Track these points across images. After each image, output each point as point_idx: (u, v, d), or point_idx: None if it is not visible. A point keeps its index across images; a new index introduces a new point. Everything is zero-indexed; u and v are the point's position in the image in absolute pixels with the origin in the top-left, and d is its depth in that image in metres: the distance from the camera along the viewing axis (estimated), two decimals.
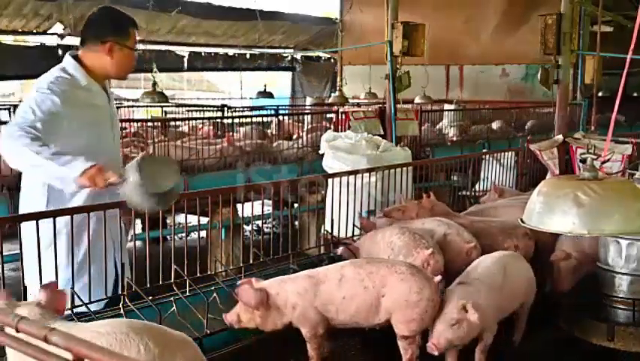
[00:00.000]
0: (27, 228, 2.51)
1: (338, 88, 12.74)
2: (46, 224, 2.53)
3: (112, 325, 1.83)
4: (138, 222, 6.33)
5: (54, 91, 2.85)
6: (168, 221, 5.38)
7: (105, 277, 2.84)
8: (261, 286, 2.48)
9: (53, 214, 2.63)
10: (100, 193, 2.83)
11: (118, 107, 11.65)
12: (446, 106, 10.85)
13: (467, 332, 2.38)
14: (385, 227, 3.16)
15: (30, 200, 3.00)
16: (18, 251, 2.55)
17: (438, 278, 2.46)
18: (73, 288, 2.60)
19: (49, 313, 1.88)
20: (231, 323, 2.50)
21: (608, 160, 4.41)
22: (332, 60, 16.69)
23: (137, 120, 8.95)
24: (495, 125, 9.88)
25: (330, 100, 12.39)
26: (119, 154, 3.44)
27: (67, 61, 3.04)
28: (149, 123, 8.13)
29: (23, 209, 3.02)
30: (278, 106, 11.05)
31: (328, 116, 8.98)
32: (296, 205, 4.67)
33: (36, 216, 2.56)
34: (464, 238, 3.05)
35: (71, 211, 2.69)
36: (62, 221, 2.65)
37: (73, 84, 2.98)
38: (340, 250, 3.21)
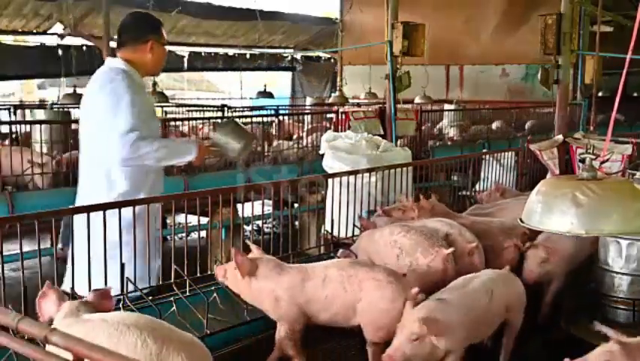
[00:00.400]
0: (93, 219, 2.69)
1: (338, 88, 12.74)
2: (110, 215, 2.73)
3: (121, 316, 1.87)
4: None
5: (128, 87, 3.25)
6: (168, 221, 5.39)
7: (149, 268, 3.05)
8: (258, 261, 2.51)
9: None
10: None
11: None
12: (446, 106, 10.84)
13: (429, 352, 2.20)
14: (384, 226, 3.15)
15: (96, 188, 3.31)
16: (18, 251, 2.55)
17: (415, 290, 2.40)
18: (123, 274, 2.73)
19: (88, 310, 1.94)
20: (217, 275, 2.57)
21: (607, 160, 4.41)
22: (332, 60, 16.69)
23: None
24: (495, 125, 9.87)
25: (330, 100, 12.39)
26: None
27: (117, 61, 3.37)
28: None
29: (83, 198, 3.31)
30: (278, 106, 11.04)
31: (328, 116, 8.97)
32: (296, 205, 4.68)
33: (36, 216, 2.57)
34: (466, 238, 3.04)
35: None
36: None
37: (133, 79, 3.35)
38: (340, 253, 3.21)
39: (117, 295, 2.76)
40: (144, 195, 3.26)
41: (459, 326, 2.29)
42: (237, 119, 3.95)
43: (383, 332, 2.36)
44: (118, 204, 2.82)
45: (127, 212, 2.80)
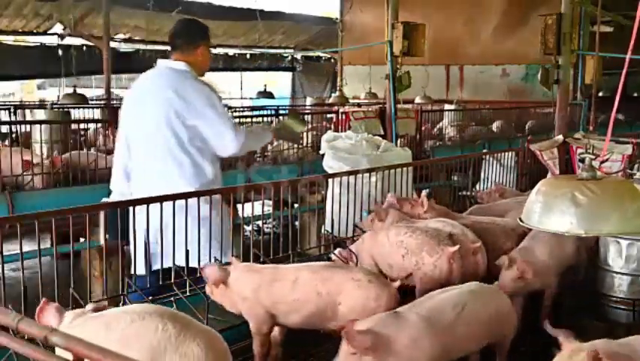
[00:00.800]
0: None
1: (338, 88, 12.75)
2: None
3: (144, 306, 1.96)
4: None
5: (209, 87, 3.66)
6: None
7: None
8: (229, 268, 2.52)
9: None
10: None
11: (118, 107, 11.69)
12: (446, 106, 10.84)
13: None
14: (389, 227, 3.13)
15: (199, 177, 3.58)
16: (18, 251, 2.56)
17: (397, 284, 2.41)
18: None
19: None
20: (209, 294, 2.60)
21: (607, 160, 4.41)
22: (332, 60, 16.69)
23: None
24: (495, 125, 9.87)
25: (331, 100, 12.39)
26: None
27: (179, 63, 3.70)
28: None
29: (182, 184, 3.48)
30: (278, 106, 11.03)
31: (328, 116, 8.97)
32: (296, 205, 4.68)
33: (36, 216, 2.57)
34: (470, 238, 3.04)
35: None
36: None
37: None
38: (338, 252, 3.20)
39: (117, 295, 2.77)
40: (219, 181, 3.65)
41: (414, 342, 2.09)
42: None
43: None
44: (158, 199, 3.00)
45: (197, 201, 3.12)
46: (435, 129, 9.54)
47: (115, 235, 2.93)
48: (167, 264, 3.21)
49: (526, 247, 3.06)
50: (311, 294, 2.39)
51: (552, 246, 3.03)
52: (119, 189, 3.75)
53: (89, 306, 2.08)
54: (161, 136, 3.57)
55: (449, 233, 3.01)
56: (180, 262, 3.01)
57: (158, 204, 2.95)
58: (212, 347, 1.82)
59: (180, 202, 3.02)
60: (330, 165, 4.65)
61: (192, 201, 3.09)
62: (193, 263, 3.02)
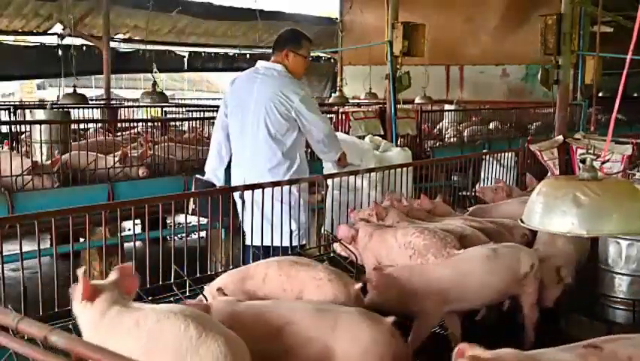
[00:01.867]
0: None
1: (338, 88, 12.74)
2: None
3: (170, 306, 2.07)
4: (138, 222, 6.33)
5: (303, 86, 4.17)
6: (168, 221, 5.39)
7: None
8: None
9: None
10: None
11: (118, 107, 11.70)
12: (446, 106, 10.84)
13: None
14: (395, 227, 3.11)
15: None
16: (18, 251, 2.55)
17: (358, 285, 2.39)
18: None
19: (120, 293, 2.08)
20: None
21: (608, 160, 4.41)
22: (332, 60, 16.68)
23: (137, 120, 8.95)
24: (492, 125, 9.87)
25: (331, 100, 12.38)
26: None
27: (278, 65, 4.09)
28: (149, 123, 8.11)
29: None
30: None
31: (328, 116, 8.96)
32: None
33: (36, 216, 2.57)
34: (482, 239, 3.04)
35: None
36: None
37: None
38: (336, 246, 3.20)
39: None
40: (304, 170, 4.06)
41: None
42: None
43: None
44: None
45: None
46: (435, 129, 9.53)
47: (205, 214, 3.31)
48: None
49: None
50: (278, 291, 2.42)
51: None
52: (212, 169, 4.20)
53: (113, 274, 2.13)
54: (258, 128, 3.98)
55: (461, 234, 3.01)
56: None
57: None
58: (232, 349, 1.85)
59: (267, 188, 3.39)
60: (329, 165, 4.65)
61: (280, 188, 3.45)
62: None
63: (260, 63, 4.16)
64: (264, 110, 3.98)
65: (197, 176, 4.29)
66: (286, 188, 3.51)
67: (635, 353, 1.77)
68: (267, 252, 3.49)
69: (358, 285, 2.38)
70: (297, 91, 3.99)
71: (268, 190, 3.36)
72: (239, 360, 1.86)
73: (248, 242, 3.69)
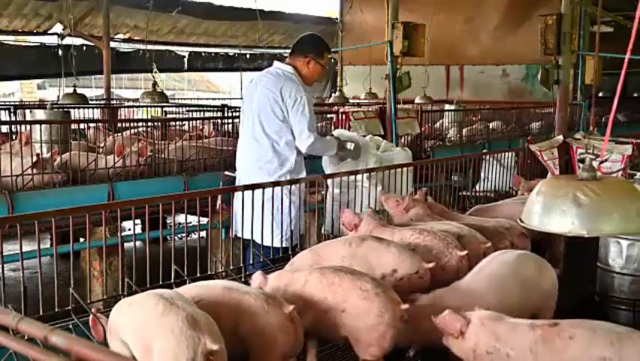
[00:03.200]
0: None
1: (338, 88, 12.74)
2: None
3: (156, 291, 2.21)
4: (138, 222, 6.33)
5: (306, 93, 4.13)
6: (168, 221, 5.39)
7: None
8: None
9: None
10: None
11: (118, 107, 11.70)
12: (446, 106, 10.83)
13: None
14: (394, 229, 3.11)
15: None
16: (18, 251, 2.56)
17: (405, 306, 2.30)
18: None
19: None
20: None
21: (606, 160, 4.41)
22: (332, 60, 16.68)
23: (137, 120, 8.95)
24: (494, 125, 9.87)
25: (331, 100, 12.38)
26: None
27: (288, 67, 4.22)
28: (149, 123, 8.11)
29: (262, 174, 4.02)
30: None
31: (328, 116, 8.97)
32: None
33: (36, 216, 2.57)
34: (479, 239, 3.04)
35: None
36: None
37: (301, 84, 4.18)
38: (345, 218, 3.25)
39: (117, 295, 2.77)
40: (297, 170, 4.12)
41: None
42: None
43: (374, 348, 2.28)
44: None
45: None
46: (434, 126, 9.52)
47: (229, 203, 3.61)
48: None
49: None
50: (319, 297, 2.32)
51: None
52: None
53: None
54: (254, 126, 4.12)
55: (458, 235, 3.00)
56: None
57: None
58: (191, 322, 1.96)
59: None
60: (329, 168, 4.66)
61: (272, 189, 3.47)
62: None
63: (275, 63, 4.29)
64: (261, 108, 4.09)
65: (226, 172, 4.51)
66: (277, 189, 3.47)
67: (580, 333, 1.96)
68: (265, 251, 3.50)
69: (405, 306, 2.27)
70: (295, 95, 4.04)
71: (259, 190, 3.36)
72: (197, 332, 1.91)
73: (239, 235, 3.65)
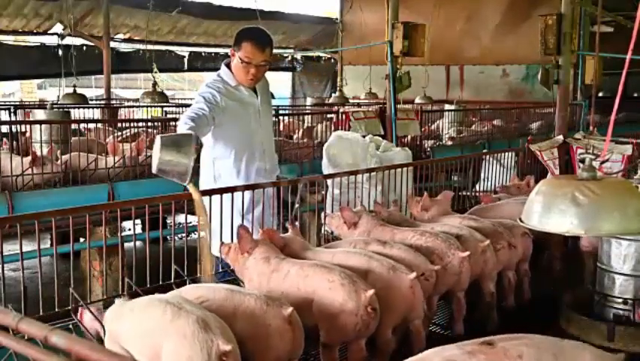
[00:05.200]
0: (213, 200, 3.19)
1: (338, 88, 12.75)
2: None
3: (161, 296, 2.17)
4: (138, 222, 6.33)
5: (212, 87, 3.72)
6: (168, 221, 5.39)
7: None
8: (259, 242, 2.59)
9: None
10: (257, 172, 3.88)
11: (118, 107, 11.70)
12: (446, 106, 10.84)
13: None
14: (394, 229, 3.09)
15: (204, 175, 3.82)
16: (18, 251, 2.56)
17: (371, 292, 2.34)
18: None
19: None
20: (221, 253, 2.68)
21: (607, 160, 4.41)
22: (332, 60, 16.69)
23: (137, 120, 8.95)
24: (496, 122, 9.88)
25: (331, 100, 12.39)
26: (269, 139, 4.15)
27: (222, 67, 3.86)
28: (149, 123, 8.12)
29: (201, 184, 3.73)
30: (278, 106, 11.03)
31: (328, 116, 8.97)
32: (296, 205, 4.68)
33: (36, 216, 2.57)
34: (477, 237, 3.04)
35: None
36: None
37: (225, 83, 3.79)
38: (330, 220, 3.23)
39: (116, 296, 2.77)
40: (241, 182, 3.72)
41: None
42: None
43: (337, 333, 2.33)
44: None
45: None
46: (433, 126, 9.53)
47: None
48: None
49: None
50: (293, 288, 2.42)
51: None
52: None
53: None
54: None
55: (456, 234, 3.00)
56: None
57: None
58: (202, 325, 1.95)
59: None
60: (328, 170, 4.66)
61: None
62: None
63: None
64: None
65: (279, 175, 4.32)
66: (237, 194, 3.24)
67: (527, 351, 1.76)
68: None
69: (371, 291, 2.31)
70: (200, 90, 3.78)
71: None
72: (210, 334, 1.90)
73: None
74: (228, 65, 3.85)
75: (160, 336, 1.96)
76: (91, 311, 2.29)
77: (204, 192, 3.22)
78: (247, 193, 3.40)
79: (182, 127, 3.34)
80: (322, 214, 3.85)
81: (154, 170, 2.84)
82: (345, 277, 2.37)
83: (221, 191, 3.29)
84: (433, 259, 2.81)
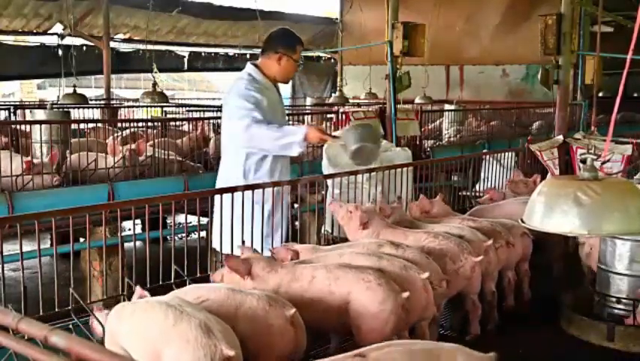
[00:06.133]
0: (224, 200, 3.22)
1: (338, 88, 12.74)
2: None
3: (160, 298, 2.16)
4: (138, 222, 6.33)
5: (252, 89, 3.78)
6: (168, 221, 5.39)
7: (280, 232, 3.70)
8: (251, 260, 2.52)
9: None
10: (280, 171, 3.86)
11: (118, 107, 11.70)
12: (446, 106, 10.84)
13: None
14: (406, 231, 3.08)
15: (230, 175, 3.81)
16: (18, 251, 2.55)
17: (406, 294, 2.37)
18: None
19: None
20: (214, 281, 2.59)
21: (608, 160, 4.41)
22: (332, 60, 16.68)
23: (137, 120, 8.95)
24: (495, 122, 9.87)
25: (331, 100, 12.38)
26: None
27: (249, 67, 3.95)
28: (149, 123, 8.11)
29: (221, 183, 3.82)
30: None
31: (328, 116, 8.97)
32: (296, 205, 4.68)
33: (36, 216, 2.57)
34: (480, 237, 3.04)
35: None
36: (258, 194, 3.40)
37: (259, 82, 3.87)
38: (334, 206, 3.23)
39: (116, 296, 2.77)
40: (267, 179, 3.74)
41: None
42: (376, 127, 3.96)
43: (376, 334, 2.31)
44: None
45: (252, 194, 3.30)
46: (431, 126, 9.52)
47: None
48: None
49: None
50: (325, 292, 2.38)
51: None
52: None
53: None
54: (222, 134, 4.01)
55: (459, 235, 3.01)
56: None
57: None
58: (205, 329, 1.94)
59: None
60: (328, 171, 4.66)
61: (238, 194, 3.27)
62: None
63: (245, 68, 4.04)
64: (224, 119, 3.97)
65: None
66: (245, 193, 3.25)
67: (400, 359, 1.76)
68: None
69: (406, 294, 2.34)
70: (234, 92, 3.81)
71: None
72: (213, 339, 1.88)
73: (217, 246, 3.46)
74: (255, 65, 3.97)
75: (162, 341, 1.94)
76: (97, 318, 2.28)
77: (212, 191, 3.22)
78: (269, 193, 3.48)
79: (274, 133, 3.66)
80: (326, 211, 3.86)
81: (350, 156, 3.65)
82: (381, 276, 2.38)
83: (221, 191, 3.29)
84: (445, 262, 2.80)
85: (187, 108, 11.16)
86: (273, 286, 2.44)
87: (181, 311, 1.97)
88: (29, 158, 5.16)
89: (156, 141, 6.50)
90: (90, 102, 11.01)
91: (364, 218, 3.08)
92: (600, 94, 8.65)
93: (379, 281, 2.34)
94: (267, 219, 3.63)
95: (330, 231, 3.99)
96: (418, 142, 7.94)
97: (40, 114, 6.34)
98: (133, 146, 5.74)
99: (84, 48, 12.49)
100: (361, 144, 3.58)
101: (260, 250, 2.98)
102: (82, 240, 4.92)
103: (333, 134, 3.92)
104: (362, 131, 3.69)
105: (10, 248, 3.07)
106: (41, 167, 5.06)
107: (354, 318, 2.33)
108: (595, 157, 1.94)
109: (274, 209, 3.51)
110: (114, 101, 12.79)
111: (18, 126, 6.43)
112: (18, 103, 12.37)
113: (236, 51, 15.39)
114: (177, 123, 8.42)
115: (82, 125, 7.59)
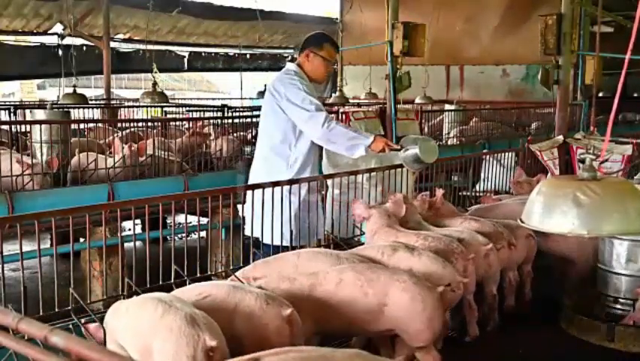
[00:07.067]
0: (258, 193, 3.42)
1: (338, 88, 12.73)
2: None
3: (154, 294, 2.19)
4: (138, 222, 6.33)
5: (304, 83, 3.94)
6: (168, 221, 5.39)
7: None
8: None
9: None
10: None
11: (118, 107, 11.69)
12: (446, 106, 10.84)
13: None
14: (398, 232, 3.09)
15: (275, 163, 3.98)
16: (18, 251, 2.55)
17: (441, 288, 2.41)
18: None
19: None
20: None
21: (607, 160, 4.41)
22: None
23: (137, 120, 8.95)
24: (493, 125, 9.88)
25: (331, 100, 12.37)
26: None
27: (292, 65, 4.13)
28: (149, 123, 8.11)
29: (262, 173, 3.95)
30: None
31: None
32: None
33: (36, 216, 2.57)
34: (480, 240, 3.04)
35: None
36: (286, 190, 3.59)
37: (302, 78, 4.00)
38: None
39: (116, 296, 2.77)
40: (298, 169, 3.95)
41: None
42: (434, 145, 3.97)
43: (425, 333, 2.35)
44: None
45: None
46: (432, 122, 9.52)
47: None
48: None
49: None
50: (357, 294, 2.37)
51: None
52: None
53: None
54: (263, 126, 4.12)
55: (458, 238, 3.00)
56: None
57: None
58: (190, 322, 1.98)
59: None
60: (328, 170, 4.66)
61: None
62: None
63: (287, 65, 4.27)
64: (264, 108, 4.12)
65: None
66: (277, 189, 3.41)
67: None
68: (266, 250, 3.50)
69: (441, 288, 2.37)
70: (287, 81, 3.94)
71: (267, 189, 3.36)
72: (196, 330, 1.92)
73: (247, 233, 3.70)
74: (297, 65, 4.12)
75: (150, 332, 1.99)
76: (87, 329, 2.30)
77: (212, 191, 3.22)
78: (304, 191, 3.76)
79: (349, 132, 3.87)
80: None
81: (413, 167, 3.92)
82: (413, 275, 2.42)
83: (221, 191, 3.29)
84: None
85: (187, 108, 11.16)
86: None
87: (170, 305, 2.02)
88: (26, 160, 5.16)
89: (156, 141, 6.50)
90: (90, 102, 11.01)
91: (364, 213, 3.15)
92: (600, 94, 8.65)
93: (414, 280, 2.40)
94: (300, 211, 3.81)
95: (330, 231, 3.99)
96: None
97: (40, 114, 6.34)
98: (133, 146, 5.75)
99: (84, 48, 12.50)
100: (422, 159, 3.79)
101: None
102: (82, 240, 4.92)
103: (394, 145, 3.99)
104: (425, 145, 3.82)
105: (10, 248, 3.07)
106: (41, 167, 5.07)
107: None
108: (594, 157, 1.94)
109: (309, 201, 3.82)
110: (114, 101, 12.79)
111: (18, 126, 6.43)
112: (18, 103, 12.37)
113: (237, 51, 15.39)
114: (177, 123, 8.41)
115: (82, 125, 7.59)
